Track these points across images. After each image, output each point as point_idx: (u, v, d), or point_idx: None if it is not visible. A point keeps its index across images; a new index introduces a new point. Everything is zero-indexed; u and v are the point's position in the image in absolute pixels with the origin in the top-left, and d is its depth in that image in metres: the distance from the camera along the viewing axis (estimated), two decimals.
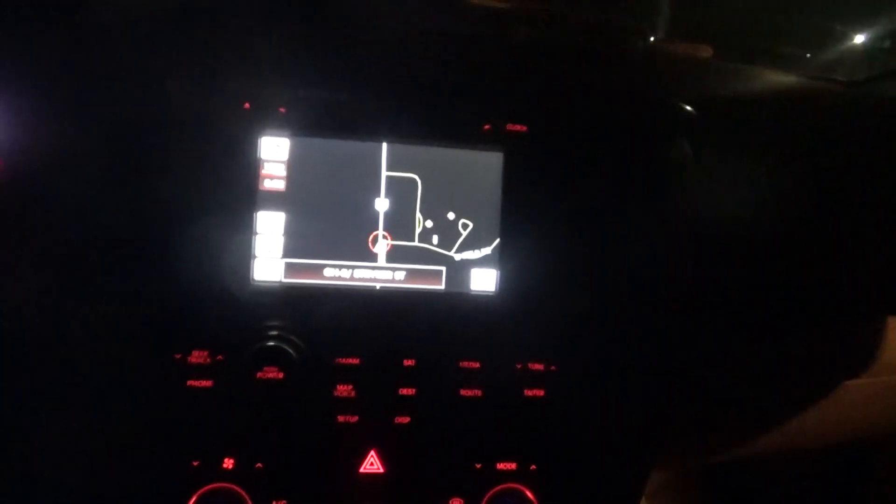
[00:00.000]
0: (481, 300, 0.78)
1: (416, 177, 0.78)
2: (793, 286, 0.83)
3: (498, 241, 0.79)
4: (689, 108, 0.84)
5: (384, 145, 0.77)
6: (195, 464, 0.72)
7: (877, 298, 0.87)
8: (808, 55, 1.03)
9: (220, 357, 0.72)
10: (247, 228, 0.74)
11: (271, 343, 0.70)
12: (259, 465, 0.73)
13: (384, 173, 0.77)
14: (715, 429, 0.83)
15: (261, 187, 0.75)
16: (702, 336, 0.80)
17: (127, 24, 0.73)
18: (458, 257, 0.79)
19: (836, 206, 0.86)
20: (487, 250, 0.79)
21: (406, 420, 0.76)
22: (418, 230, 0.78)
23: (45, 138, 0.70)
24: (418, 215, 0.78)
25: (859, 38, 1.02)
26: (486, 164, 0.79)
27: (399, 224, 0.78)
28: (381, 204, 0.77)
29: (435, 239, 0.78)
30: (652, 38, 0.97)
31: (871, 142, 0.88)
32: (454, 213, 0.79)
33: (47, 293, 0.70)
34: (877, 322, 0.86)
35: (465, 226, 0.79)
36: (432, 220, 0.78)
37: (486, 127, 0.78)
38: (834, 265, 0.85)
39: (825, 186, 0.85)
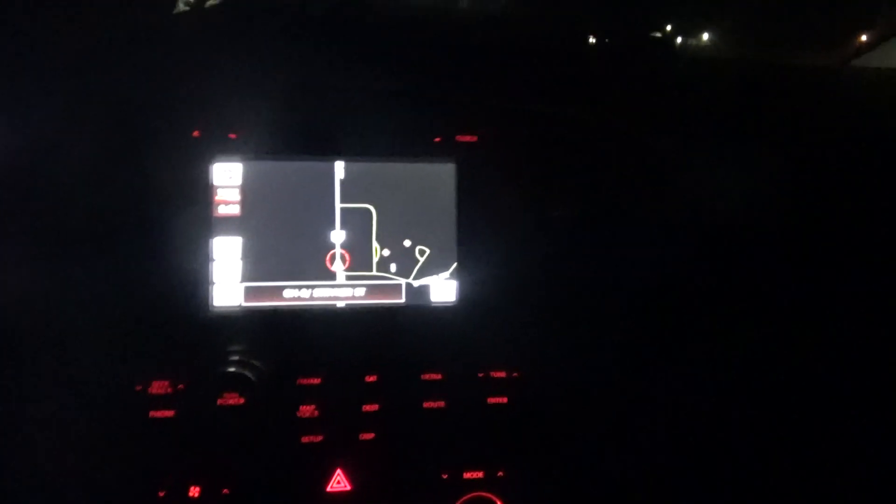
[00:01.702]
0: (442, 311, 0.79)
1: (370, 207, 0.78)
2: (757, 289, 0.83)
3: (455, 264, 0.79)
4: (648, 107, 0.85)
5: (337, 163, 0.77)
6: (161, 494, 0.72)
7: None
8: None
9: (181, 386, 0.72)
10: (203, 255, 0.75)
11: (231, 369, 0.70)
12: (225, 490, 0.73)
13: (338, 205, 0.78)
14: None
15: (215, 214, 0.75)
16: (661, 336, 0.81)
17: (74, 54, 0.73)
18: (416, 284, 0.79)
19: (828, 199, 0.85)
20: (445, 274, 0.79)
21: (371, 436, 0.76)
22: (376, 259, 0.79)
23: None
24: (375, 244, 0.79)
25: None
26: (439, 182, 0.79)
27: (356, 253, 0.78)
28: (338, 236, 0.78)
29: (393, 267, 0.79)
30: (612, 37, 0.98)
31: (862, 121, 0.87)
32: (410, 240, 0.79)
33: (1, 330, 0.70)
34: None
35: (421, 252, 0.79)
36: (389, 249, 0.79)
37: (437, 139, 0.79)
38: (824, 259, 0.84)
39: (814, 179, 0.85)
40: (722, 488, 0.81)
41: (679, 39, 0.91)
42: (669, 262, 0.79)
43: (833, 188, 0.85)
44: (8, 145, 0.71)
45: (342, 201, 0.78)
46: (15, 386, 0.70)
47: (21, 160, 0.71)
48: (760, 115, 0.85)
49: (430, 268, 0.80)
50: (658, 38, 0.99)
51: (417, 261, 0.79)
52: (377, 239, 0.78)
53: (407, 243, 0.79)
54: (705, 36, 0.92)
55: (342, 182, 0.78)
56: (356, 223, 0.78)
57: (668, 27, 0.89)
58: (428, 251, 0.79)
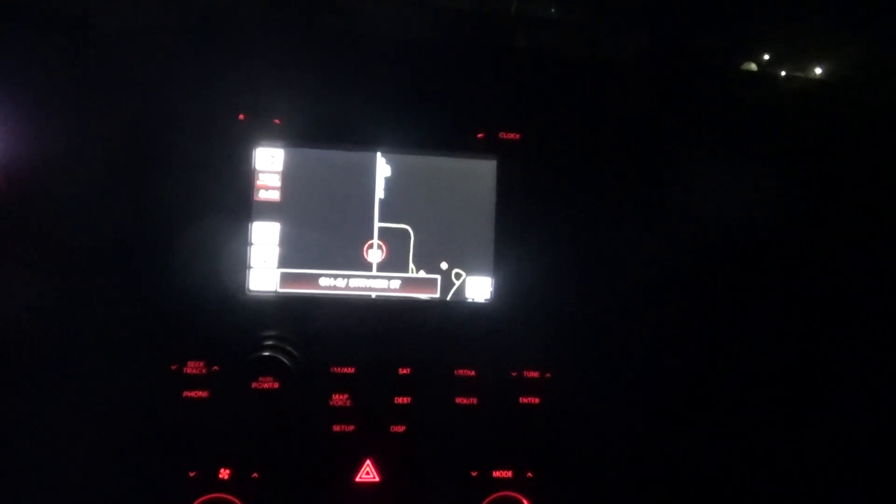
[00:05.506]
0: (477, 308, 0.79)
1: (408, 227, 0.78)
2: (786, 288, 0.83)
3: (491, 289, 0.79)
4: (681, 114, 0.84)
5: (378, 154, 0.77)
6: (192, 474, 0.72)
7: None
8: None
9: (215, 368, 0.72)
10: (242, 239, 0.75)
11: (266, 353, 0.70)
12: (255, 474, 0.73)
13: (376, 224, 0.78)
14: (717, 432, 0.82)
15: (256, 198, 0.75)
16: (695, 339, 0.80)
17: (124, 38, 0.74)
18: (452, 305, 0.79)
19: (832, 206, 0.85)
20: (481, 300, 0.79)
21: (402, 429, 0.76)
22: None
23: (39, 151, 0.70)
24: (411, 266, 0.78)
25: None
26: (479, 185, 0.79)
27: (392, 255, 0.78)
28: (374, 255, 0.78)
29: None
30: (644, 45, 0.97)
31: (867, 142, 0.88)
32: (447, 262, 0.79)
33: (43, 305, 0.71)
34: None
35: (458, 275, 0.79)
36: (425, 272, 0.79)
37: (480, 135, 0.79)
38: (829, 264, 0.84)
39: (819, 186, 0.85)
40: (756, 493, 0.80)
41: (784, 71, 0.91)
42: (708, 266, 0.78)
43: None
44: (60, 131, 0.72)
45: (380, 221, 0.77)
46: (53, 362, 0.71)
47: (67, 144, 0.71)
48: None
49: (465, 291, 0.79)
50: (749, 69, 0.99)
51: (453, 284, 0.79)
52: (413, 261, 0.78)
53: (444, 266, 0.79)
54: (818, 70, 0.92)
55: (381, 201, 0.77)
56: (393, 242, 0.78)
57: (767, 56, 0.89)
58: (464, 275, 0.79)
